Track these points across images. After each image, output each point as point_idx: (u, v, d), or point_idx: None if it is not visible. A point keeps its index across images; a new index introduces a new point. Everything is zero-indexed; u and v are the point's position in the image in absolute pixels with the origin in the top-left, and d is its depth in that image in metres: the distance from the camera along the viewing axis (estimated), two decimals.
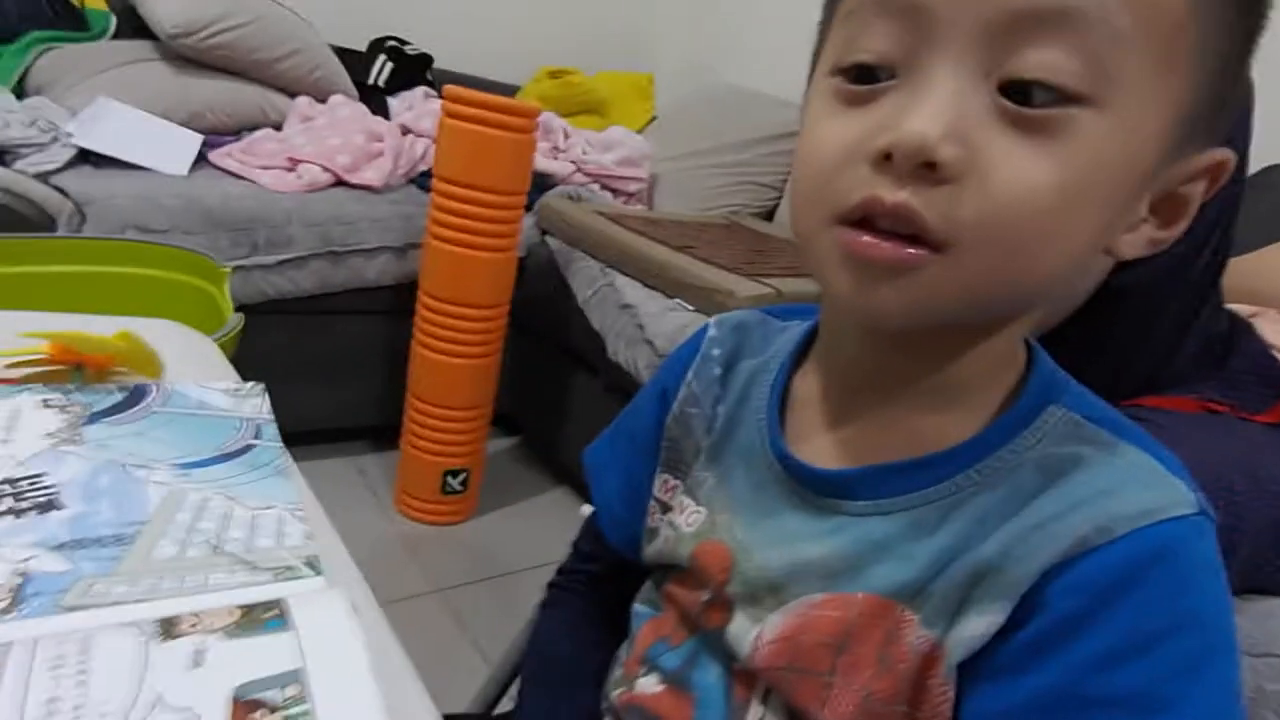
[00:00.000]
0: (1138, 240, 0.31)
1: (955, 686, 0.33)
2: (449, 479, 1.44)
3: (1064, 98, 0.27)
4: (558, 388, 1.61)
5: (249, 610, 0.29)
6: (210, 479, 0.40)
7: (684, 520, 0.42)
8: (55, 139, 1.18)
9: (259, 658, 0.27)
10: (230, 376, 0.56)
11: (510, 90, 2.14)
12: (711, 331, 0.46)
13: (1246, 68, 0.30)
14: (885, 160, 0.29)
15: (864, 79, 0.30)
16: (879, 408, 0.37)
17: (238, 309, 1.30)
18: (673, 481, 0.45)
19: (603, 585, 0.52)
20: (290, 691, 0.26)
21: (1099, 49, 0.27)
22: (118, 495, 0.36)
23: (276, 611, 0.30)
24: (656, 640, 0.44)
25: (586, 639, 0.50)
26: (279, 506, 0.39)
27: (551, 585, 0.54)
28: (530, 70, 2.26)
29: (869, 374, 0.37)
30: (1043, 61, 0.27)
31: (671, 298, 1.33)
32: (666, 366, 0.48)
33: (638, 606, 0.47)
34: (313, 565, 0.35)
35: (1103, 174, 0.28)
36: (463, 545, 1.44)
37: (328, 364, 1.51)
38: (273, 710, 0.25)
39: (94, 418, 0.42)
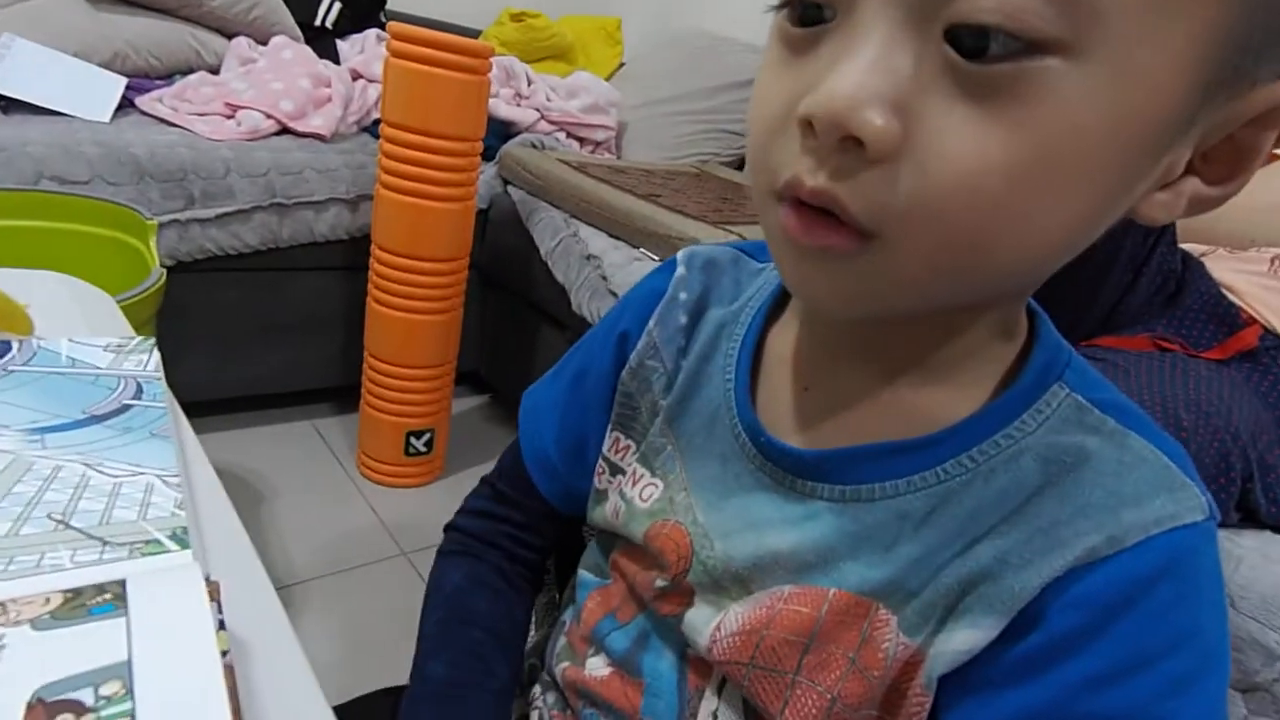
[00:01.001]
0: (1176, 201, 0.25)
1: (934, 696, 0.30)
2: (412, 440, 1.40)
3: (1031, 46, 0.21)
4: (526, 343, 1.56)
5: (74, 595, 0.25)
6: (69, 444, 0.35)
7: (637, 493, 0.38)
8: None
9: (75, 651, 0.23)
10: (124, 332, 0.50)
11: (471, 34, 2.03)
12: (679, 270, 0.40)
13: None
14: (809, 130, 0.23)
15: (807, 18, 0.25)
16: (862, 378, 0.32)
17: (178, 267, 1.24)
18: (625, 442, 0.40)
19: (523, 537, 0.47)
20: (109, 689, 0.22)
21: None
22: None
23: (109, 595, 0.25)
24: (604, 616, 0.40)
25: (502, 596, 0.45)
26: (150, 473, 0.34)
27: (455, 529, 0.47)
28: (492, 14, 2.15)
29: (851, 339, 0.32)
30: (996, 3, 0.20)
31: (636, 247, 1.28)
32: (627, 305, 0.42)
33: (582, 573, 0.44)
34: (179, 539, 0.30)
35: (1088, 141, 0.22)
36: (430, 507, 1.40)
37: (281, 323, 1.44)
38: (83, 712, 0.21)
39: None
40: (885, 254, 0.24)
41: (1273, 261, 0.91)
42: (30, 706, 0.21)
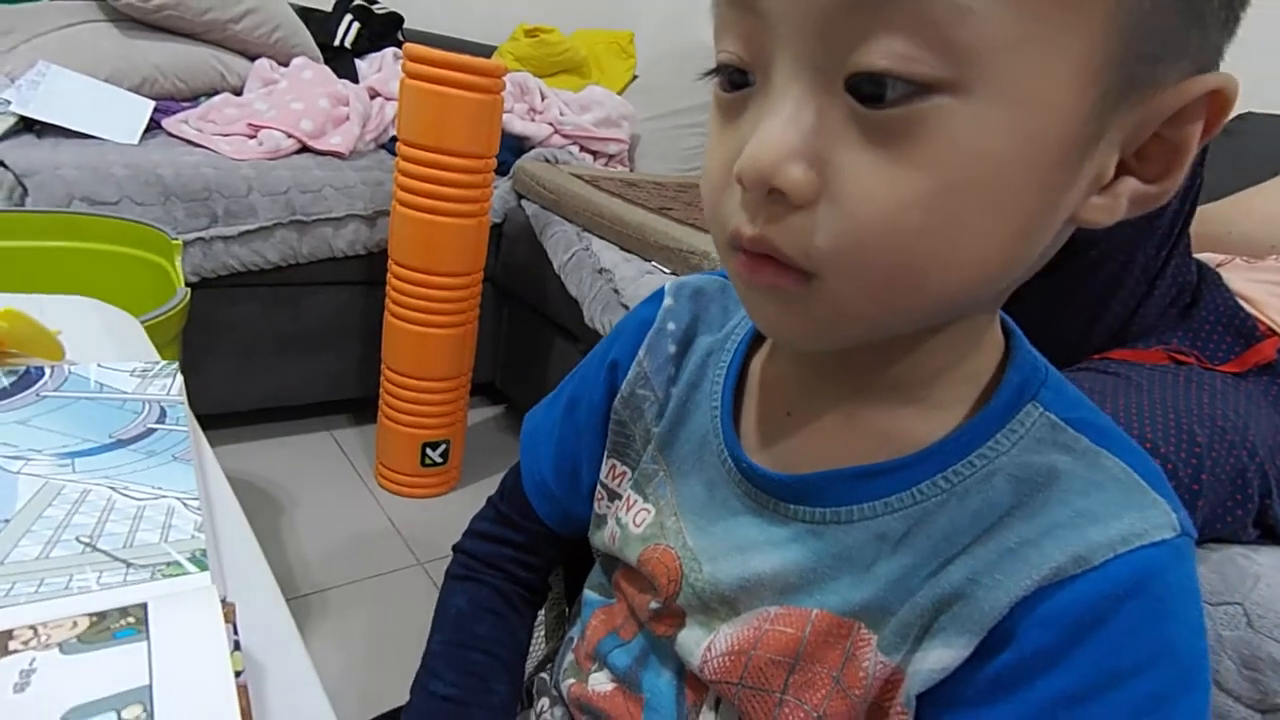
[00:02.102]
0: (1115, 203, 0.26)
1: (914, 714, 0.30)
2: (428, 451, 1.42)
3: (922, 88, 0.22)
4: (541, 355, 1.57)
5: (99, 619, 0.26)
6: (96, 468, 0.36)
7: (631, 519, 0.39)
8: None
9: (100, 675, 0.24)
10: (149, 356, 0.52)
11: (486, 51, 2.07)
12: (667, 301, 0.41)
13: None
14: (743, 186, 0.25)
15: (734, 83, 0.27)
16: (839, 402, 0.33)
17: (201, 283, 1.27)
18: (621, 468, 0.41)
19: (524, 559, 0.49)
20: (130, 713, 0.23)
21: (944, 26, 0.22)
22: None
23: (132, 619, 0.26)
24: (608, 633, 0.41)
25: (506, 621, 0.47)
26: (171, 496, 0.36)
27: (462, 551, 0.49)
28: (507, 29, 2.18)
29: (826, 365, 0.33)
30: (884, 50, 0.22)
31: (648, 261, 1.29)
32: (618, 335, 0.43)
33: (588, 593, 0.45)
34: (198, 561, 0.32)
35: (992, 165, 0.23)
36: (445, 518, 1.42)
37: (301, 337, 1.47)
38: None
39: None
40: (825, 290, 0.26)
41: None
42: None
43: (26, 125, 1.17)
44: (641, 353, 0.40)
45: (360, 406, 1.60)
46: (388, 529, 1.37)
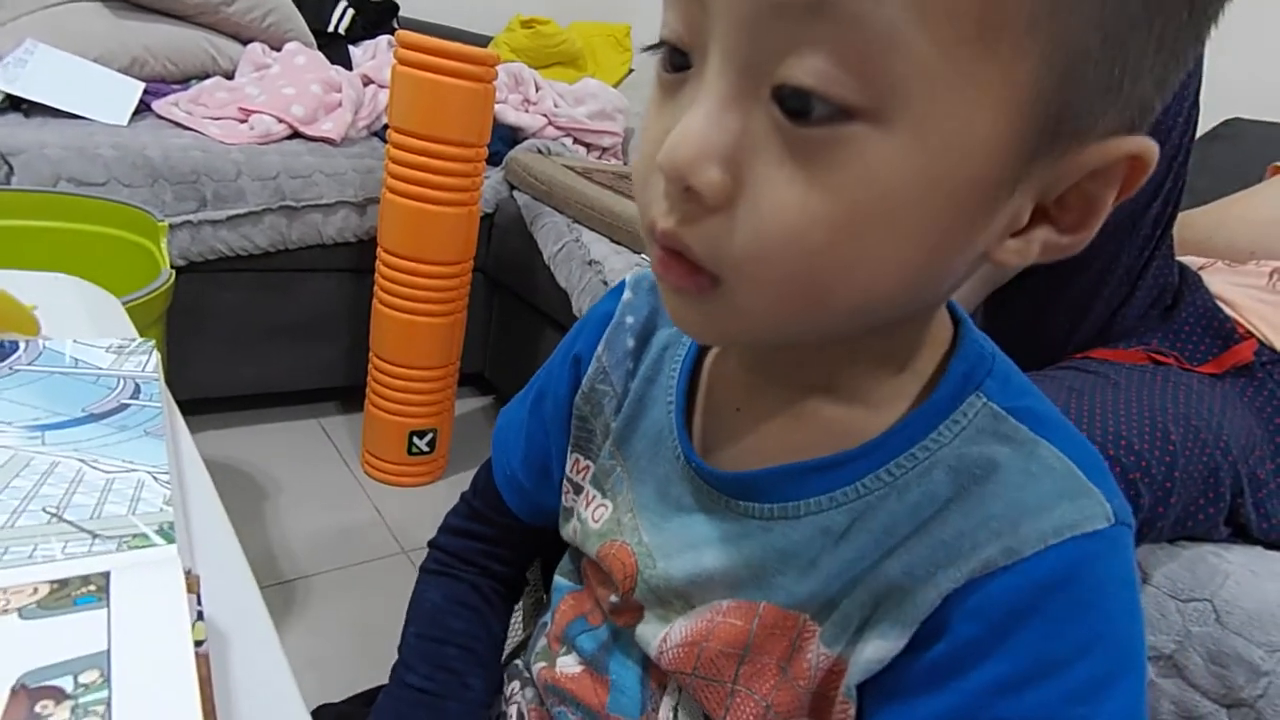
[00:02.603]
0: (1027, 248, 0.26)
1: (856, 705, 0.31)
2: (415, 440, 1.42)
3: (842, 112, 0.22)
4: (529, 346, 1.57)
5: (61, 585, 0.26)
6: (67, 441, 0.36)
7: (590, 514, 0.40)
8: None
9: (58, 640, 0.24)
10: (128, 334, 0.52)
11: (481, 41, 2.06)
12: (626, 294, 0.41)
13: (1162, 33, 0.22)
14: (663, 177, 0.25)
15: (675, 64, 0.26)
16: (785, 398, 0.33)
17: (189, 267, 1.26)
18: (584, 463, 0.42)
19: (498, 553, 0.49)
20: (87, 678, 0.23)
21: (869, 53, 0.21)
22: None
23: (93, 587, 0.27)
24: (576, 618, 0.42)
25: (481, 615, 0.47)
26: (142, 470, 0.36)
27: (437, 547, 0.50)
28: (502, 20, 2.17)
29: (771, 365, 0.34)
30: (808, 68, 0.22)
31: (637, 253, 1.29)
32: (581, 328, 0.43)
33: (558, 578, 0.45)
34: (165, 533, 0.32)
35: (901, 199, 0.23)
36: (432, 507, 1.42)
37: (290, 324, 1.46)
38: (61, 699, 0.22)
39: None
40: (730, 295, 0.26)
41: (1271, 275, 0.90)
42: (14, 692, 0.22)
43: (13, 104, 1.16)
44: (600, 347, 0.41)
45: (348, 394, 1.60)
46: (374, 517, 1.37)
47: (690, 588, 0.34)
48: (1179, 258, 0.90)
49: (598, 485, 0.40)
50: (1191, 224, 1.08)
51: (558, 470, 0.43)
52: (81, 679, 0.23)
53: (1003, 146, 0.23)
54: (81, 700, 0.22)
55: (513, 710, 0.45)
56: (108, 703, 0.22)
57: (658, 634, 0.35)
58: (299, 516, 1.32)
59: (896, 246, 0.24)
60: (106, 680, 0.23)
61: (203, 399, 1.43)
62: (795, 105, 0.23)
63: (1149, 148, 0.24)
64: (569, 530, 0.42)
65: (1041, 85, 0.22)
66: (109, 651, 0.24)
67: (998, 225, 0.25)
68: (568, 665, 0.41)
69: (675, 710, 0.37)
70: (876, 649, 0.29)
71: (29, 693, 0.22)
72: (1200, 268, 0.96)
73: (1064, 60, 0.22)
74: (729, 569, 0.33)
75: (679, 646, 0.34)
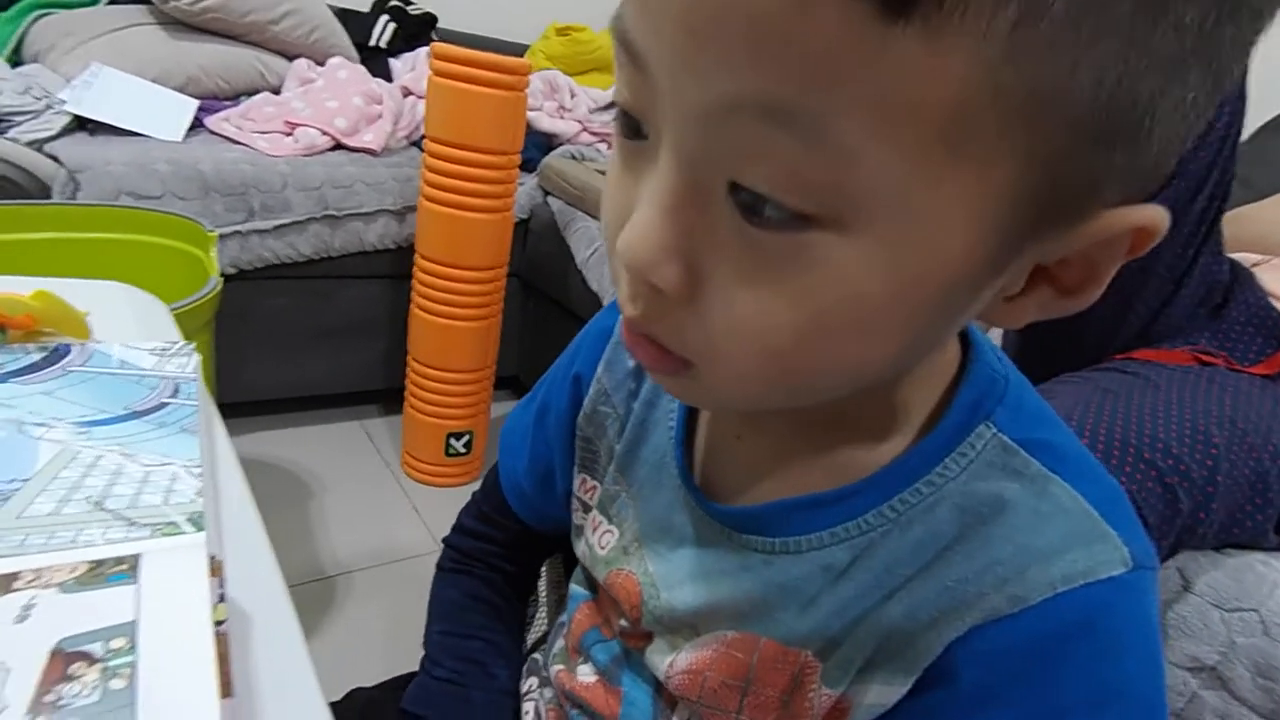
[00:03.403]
0: (1023, 311, 0.25)
1: None
2: (452, 441, 1.45)
3: (799, 218, 0.20)
4: (563, 349, 1.59)
5: (96, 565, 0.29)
6: (111, 436, 0.39)
7: (598, 540, 0.40)
8: (49, 106, 1.19)
9: (92, 611, 0.26)
10: (172, 338, 0.56)
11: (518, 49, 2.10)
12: None
13: (1168, 109, 0.20)
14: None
15: (629, 129, 0.24)
16: (785, 430, 0.33)
17: (239, 275, 1.32)
18: (590, 483, 0.41)
19: (507, 554, 0.50)
20: (116, 644, 0.25)
21: (827, 164, 0.19)
22: (5, 453, 0.36)
23: (125, 566, 0.29)
24: (591, 628, 0.42)
25: (499, 611, 0.48)
26: (177, 464, 0.38)
27: (452, 547, 0.51)
28: (539, 28, 2.21)
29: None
30: (762, 174, 0.20)
31: None
32: (580, 345, 0.43)
33: (573, 587, 0.46)
34: (195, 522, 0.34)
35: (870, 304, 0.22)
36: None
37: (333, 328, 1.52)
38: (93, 662, 0.25)
39: (3, 378, 0.42)
40: (704, 378, 0.25)
41: None
42: (52, 655, 0.24)
43: (80, 124, 1.24)
44: (600, 368, 0.40)
45: (389, 397, 1.65)
46: (412, 516, 1.41)
47: (695, 618, 0.34)
48: (1232, 254, 0.86)
49: (604, 511, 0.40)
50: (1247, 219, 1.04)
51: (561, 483, 0.43)
52: (110, 645, 0.25)
53: (980, 244, 0.21)
54: (110, 664, 0.25)
55: (530, 707, 0.46)
56: (133, 666, 0.25)
57: (665, 660, 0.35)
58: (341, 515, 1.37)
59: (869, 346, 0.23)
60: (133, 646, 0.25)
61: (250, 401, 1.50)
62: (751, 203, 0.21)
63: (1156, 219, 0.22)
64: (579, 549, 0.42)
65: (1018, 183, 0.20)
66: (136, 622, 0.26)
67: (986, 298, 0.24)
68: (584, 674, 0.42)
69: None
70: (879, 693, 0.29)
71: (64, 656, 0.24)
72: (1254, 264, 0.92)
73: (1046, 155, 0.20)
74: (731, 601, 0.32)
75: (684, 674, 0.34)
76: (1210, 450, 0.67)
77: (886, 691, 0.28)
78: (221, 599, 0.30)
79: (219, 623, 0.28)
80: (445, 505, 1.44)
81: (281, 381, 1.51)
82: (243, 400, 1.45)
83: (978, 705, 0.27)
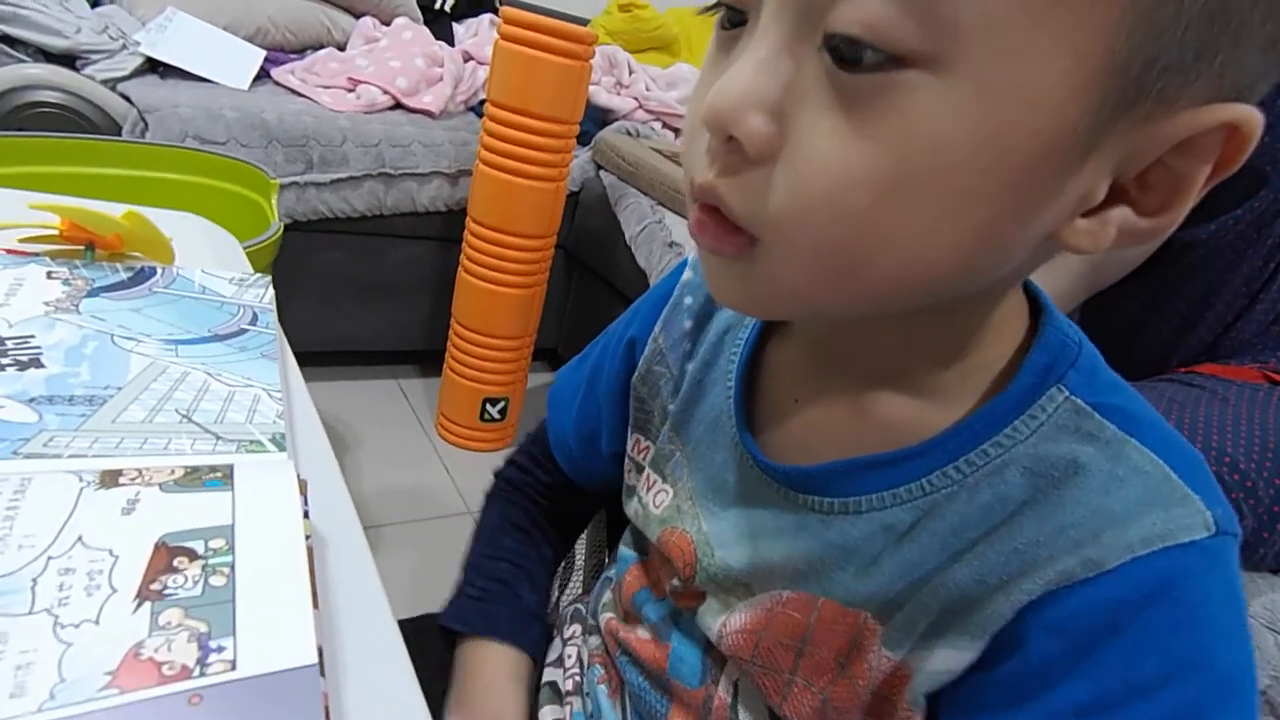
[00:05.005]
0: (1102, 230, 0.23)
1: (924, 714, 0.30)
2: (488, 406, 1.46)
3: (895, 59, 0.20)
4: (604, 324, 1.58)
5: (194, 470, 0.29)
6: (196, 355, 0.40)
7: (652, 499, 0.40)
8: (124, 47, 1.21)
9: (192, 512, 0.27)
10: (245, 270, 0.57)
11: (580, 23, 2.09)
12: (686, 274, 0.41)
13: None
14: (707, 128, 0.24)
15: (730, 19, 0.25)
16: (844, 390, 0.32)
17: (294, 225, 1.34)
18: (645, 443, 0.42)
19: (553, 494, 0.51)
20: (215, 544, 0.26)
21: None
22: (99, 361, 0.37)
23: (221, 474, 0.30)
24: (641, 588, 0.42)
25: (532, 537, 0.50)
26: (258, 387, 0.39)
27: (500, 477, 0.53)
28: (602, 3, 2.20)
29: (829, 354, 0.33)
30: (864, 12, 0.20)
31: None
32: (637, 310, 0.43)
33: (623, 549, 0.46)
34: (277, 442, 0.35)
35: (954, 154, 0.21)
36: None
37: (379, 286, 1.54)
38: (194, 558, 0.25)
39: (95, 292, 0.43)
40: (765, 258, 0.25)
41: None
42: (157, 547, 0.25)
43: (151, 66, 1.26)
44: (657, 328, 0.40)
45: (428, 358, 1.67)
46: (443, 478, 1.43)
47: (749, 577, 0.34)
48: None
49: (658, 469, 0.40)
50: None
51: (607, 444, 0.44)
52: (211, 544, 0.26)
53: (1074, 103, 0.21)
54: (211, 561, 0.25)
55: (572, 651, 0.46)
56: (232, 565, 0.25)
57: (718, 619, 0.35)
58: (372, 470, 1.39)
59: (945, 214, 0.22)
60: (231, 548, 0.26)
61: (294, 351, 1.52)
62: (845, 53, 0.21)
63: (1250, 117, 0.21)
64: (631, 509, 0.42)
65: (1122, 36, 0.20)
66: (233, 525, 0.27)
67: (1066, 200, 0.23)
68: (640, 633, 0.42)
69: (736, 686, 0.36)
70: (945, 659, 0.28)
71: (169, 549, 0.25)
72: None
73: (1150, 10, 0.19)
74: (787, 561, 0.32)
75: (738, 633, 0.34)
76: (1279, 469, 0.65)
77: (953, 656, 0.28)
78: (305, 516, 0.30)
79: (306, 537, 0.29)
80: (477, 469, 1.46)
81: (324, 334, 1.53)
82: None
83: (1052, 678, 0.26)
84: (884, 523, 0.30)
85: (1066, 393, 0.28)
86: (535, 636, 0.46)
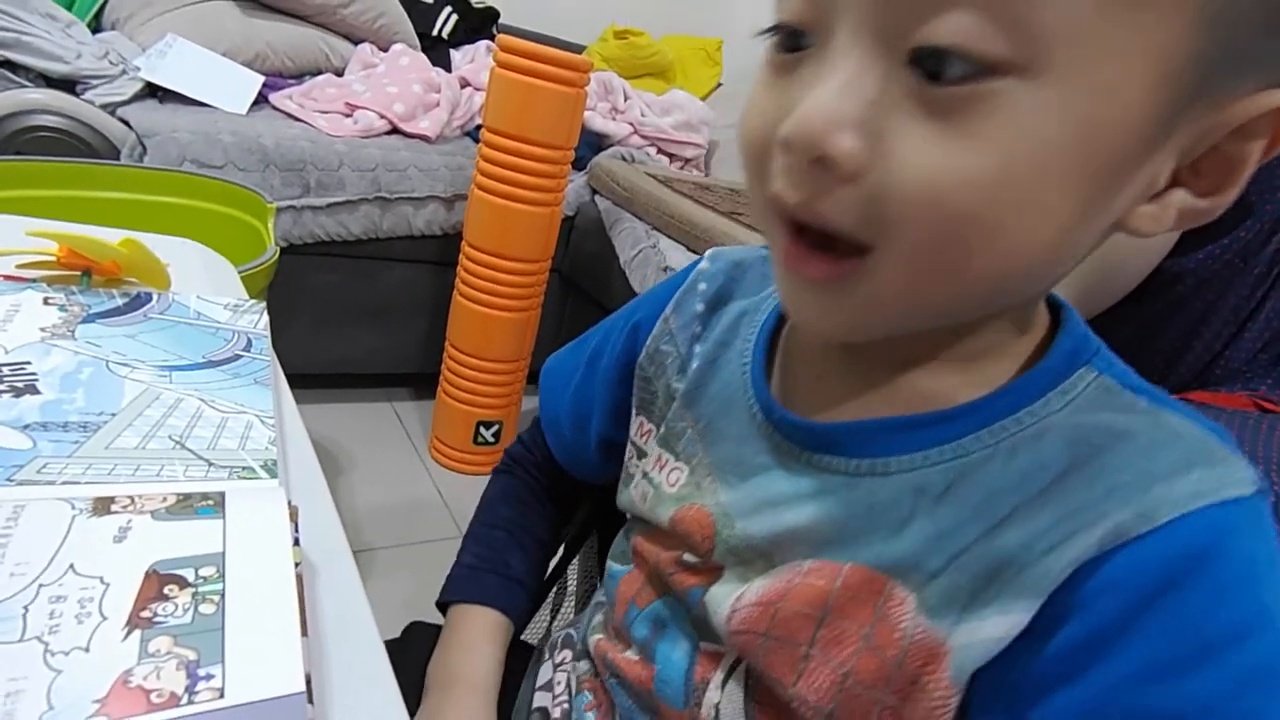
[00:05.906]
0: (1163, 213, 0.26)
1: (963, 695, 0.28)
2: (481, 430, 1.46)
3: (985, 68, 0.22)
4: None
5: (186, 497, 0.30)
6: (190, 382, 0.40)
7: (665, 478, 0.39)
8: (124, 72, 1.23)
9: (183, 539, 0.27)
10: (241, 295, 0.57)
11: (576, 50, 2.12)
12: (703, 264, 0.42)
13: None
14: (787, 150, 0.25)
15: (789, 44, 0.26)
16: (875, 369, 0.32)
17: (290, 248, 1.35)
18: (647, 425, 0.42)
19: (550, 470, 0.53)
20: (205, 571, 0.26)
21: (1019, 5, 0.21)
22: (94, 387, 0.37)
23: (213, 502, 0.30)
24: (629, 605, 0.42)
25: (528, 508, 0.52)
26: (251, 413, 0.39)
27: (508, 454, 0.56)
28: (597, 30, 2.23)
29: (864, 347, 0.33)
30: (952, 26, 0.22)
31: None
32: (646, 297, 0.45)
33: (611, 565, 0.46)
34: (269, 469, 0.35)
35: (1046, 154, 0.23)
36: None
37: (374, 309, 1.54)
38: (184, 585, 0.25)
39: (90, 318, 0.43)
40: (869, 274, 0.25)
41: None
42: (148, 575, 0.25)
43: (150, 91, 1.28)
44: (668, 310, 0.42)
45: (422, 381, 1.67)
46: (436, 500, 1.42)
47: (772, 546, 0.33)
48: None
49: (668, 447, 0.40)
50: None
51: (597, 428, 0.46)
52: (201, 572, 0.26)
53: (1153, 98, 0.23)
54: (201, 589, 0.25)
55: (562, 677, 0.46)
56: (222, 593, 0.25)
57: (733, 594, 0.34)
58: (365, 492, 1.38)
59: (1042, 206, 0.24)
60: (221, 575, 0.26)
61: (287, 374, 1.52)
62: (933, 67, 0.22)
63: None
64: (632, 496, 0.42)
65: (1194, 36, 0.22)
66: (224, 553, 0.27)
67: (1136, 188, 0.25)
68: (630, 655, 0.41)
69: (718, 706, 0.35)
70: (996, 625, 0.27)
71: (159, 577, 0.25)
72: None
73: (1217, 10, 0.22)
74: (811, 526, 0.32)
75: (753, 605, 0.33)
76: (1271, 500, 0.65)
77: (1004, 623, 0.26)
78: (296, 543, 0.30)
79: (295, 564, 0.29)
80: (470, 492, 1.45)
81: (320, 356, 1.53)
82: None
83: (1112, 640, 0.25)
84: (914, 484, 0.29)
85: (1096, 373, 0.29)
86: (519, 600, 0.48)
